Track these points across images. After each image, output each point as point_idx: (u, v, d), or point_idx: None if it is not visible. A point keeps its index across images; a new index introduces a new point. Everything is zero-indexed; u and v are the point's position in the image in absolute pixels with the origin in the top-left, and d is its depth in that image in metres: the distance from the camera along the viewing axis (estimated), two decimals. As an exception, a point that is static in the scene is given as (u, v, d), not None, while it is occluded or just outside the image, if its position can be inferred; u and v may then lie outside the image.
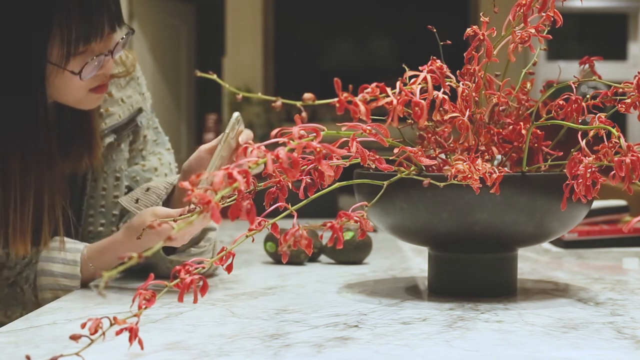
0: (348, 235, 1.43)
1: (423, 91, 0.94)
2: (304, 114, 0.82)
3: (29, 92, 1.17)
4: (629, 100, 1.02)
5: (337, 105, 0.84)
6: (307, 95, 0.80)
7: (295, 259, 1.43)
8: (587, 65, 1.10)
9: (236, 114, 1.15)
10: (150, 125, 1.42)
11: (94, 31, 1.15)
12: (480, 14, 1.05)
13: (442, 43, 1.09)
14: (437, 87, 0.97)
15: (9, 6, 1.13)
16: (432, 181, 0.99)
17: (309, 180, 0.96)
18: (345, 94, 0.83)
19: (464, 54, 1.06)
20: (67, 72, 1.16)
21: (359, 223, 0.97)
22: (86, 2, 1.14)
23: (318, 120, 3.04)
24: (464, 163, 0.98)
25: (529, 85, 1.12)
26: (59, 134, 1.24)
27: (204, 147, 1.21)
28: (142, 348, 0.79)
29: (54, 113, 1.23)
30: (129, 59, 1.36)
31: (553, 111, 1.07)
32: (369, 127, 0.89)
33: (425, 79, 0.95)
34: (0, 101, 1.17)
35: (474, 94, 1.05)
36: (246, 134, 1.16)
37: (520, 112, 1.12)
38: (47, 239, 1.19)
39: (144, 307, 0.79)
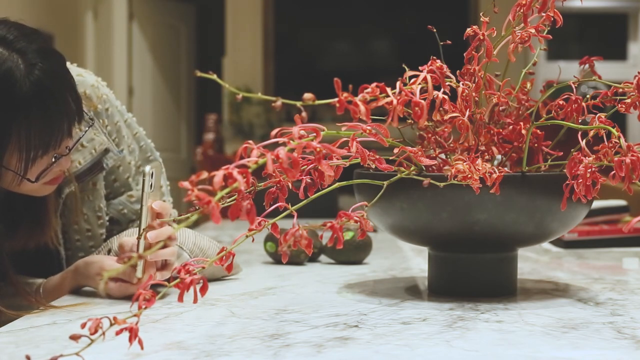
0: (348, 235, 1.43)
1: (423, 91, 0.94)
2: (304, 114, 0.82)
3: None
4: (629, 100, 1.02)
5: (337, 105, 0.84)
6: (307, 95, 0.80)
7: (295, 259, 1.43)
8: (587, 65, 1.10)
9: (147, 168, 1.11)
10: (144, 144, 1.38)
11: (53, 141, 1.11)
12: (480, 14, 1.05)
13: (442, 43, 1.09)
14: (437, 87, 0.97)
15: None
16: (432, 181, 0.99)
17: (309, 180, 0.96)
18: (345, 94, 0.83)
19: (464, 54, 1.06)
20: (22, 180, 1.13)
21: (359, 223, 0.97)
22: (46, 114, 1.10)
23: (318, 120, 3.05)
24: (464, 163, 0.98)
25: (529, 85, 1.12)
26: (7, 215, 1.21)
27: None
28: (142, 348, 0.79)
29: (3, 196, 1.20)
30: (94, 97, 1.30)
31: (553, 111, 1.07)
32: (369, 127, 0.89)
33: (425, 79, 0.95)
34: None
35: (474, 94, 1.05)
36: (159, 205, 1.11)
37: (520, 112, 1.12)
38: None
39: (144, 307, 0.79)
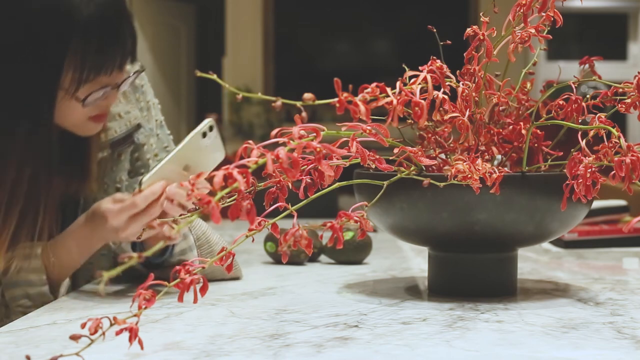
0: (348, 235, 1.43)
1: (423, 91, 0.94)
2: (304, 114, 0.82)
3: (38, 111, 1.17)
4: (629, 100, 1.02)
5: (337, 105, 0.84)
6: (307, 95, 0.80)
7: (295, 259, 1.43)
8: (587, 65, 1.10)
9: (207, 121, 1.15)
10: (161, 133, 1.41)
11: (107, 65, 1.16)
12: (480, 14, 1.05)
13: (442, 43, 1.09)
14: (437, 87, 0.97)
15: (32, 27, 1.14)
16: (432, 181, 0.99)
17: (309, 180, 0.96)
18: (345, 94, 0.83)
19: (464, 54, 1.06)
20: (72, 98, 1.17)
21: (359, 223, 0.97)
22: (104, 40, 1.15)
23: (318, 120, 3.04)
24: (464, 163, 0.98)
25: (529, 85, 1.12)
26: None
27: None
28: (142, 348, 0.79)
29: (56, 134, 1.23)
30: (133, 68, 1.35)
31: (553, 111, 1.07)
32: (369, 127, 0.89)
33: (425, 79, 0.95)
34: (8, 114, 1.17)
35: (474, 94, 1.05)
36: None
37: (520, 112, 1.12)
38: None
39: (144, 307, 0.79)
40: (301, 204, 0.95)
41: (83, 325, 0.74)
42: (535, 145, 1.13)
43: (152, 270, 1.20)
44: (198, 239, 1.28)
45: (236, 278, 1.28)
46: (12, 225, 1.19)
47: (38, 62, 1.15)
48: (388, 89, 0.89)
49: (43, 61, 1.15)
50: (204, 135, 1.15)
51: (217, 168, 0.74)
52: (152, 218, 1.12)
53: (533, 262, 1.49)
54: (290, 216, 0.93)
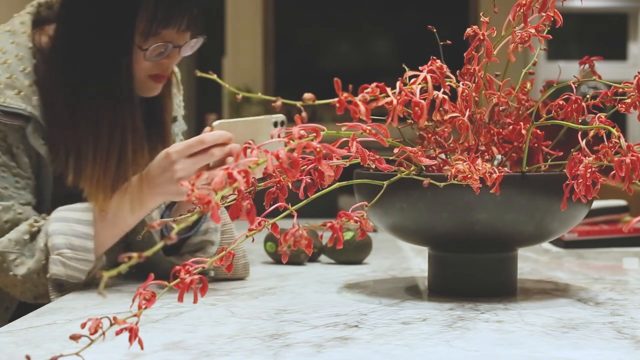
0: (348, 235, 1.43)
1: (423, 91, 0.94)
2: (304, 114, 0.82)
3: (119, 64, 1.23)
4: (629, 100, 1.02)
5: (337, 105, 0.84)
6: (307, 95, 0.80)
7: (295, 259, 1.43)
8: (587, 65, 1.10)
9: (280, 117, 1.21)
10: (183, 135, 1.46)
11: (175, 19, 1.22)
12: (480, 14, 1.05)
13: (442, 43, 1.09)
14: (437, 87, 0.97)
15: None
16: (432, 181, 0.99)
17: (309, 180, 0.96)
18: (345, 94, 0.83)
19: (464, 54, 1.06)
20: (137, 49, 1.22)
21: (359, 223, 0.97)
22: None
23: (318, 120, 3.04)
24: (464, 163, 0.98)
25: (529, 85, 1.12)
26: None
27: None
28: (142, 348, 0.79)
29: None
30: (176, 67, 1.41)
31: (553, 111, 1.07)
32: (369, 127, 0.89)
33: (425, 79, 0.95)
34: (97, 66, 1.23)
35: (474, 94, 1.05)
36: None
37: (520, 112, 1.12)
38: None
39: (144, 307, 0.79)
40: (301, 204, 0.95)
41: (83, 325, 0.74)
42: (535, 145, 1.13)
43: (171, 252, 1.24)
44: (224, 224, 1.31)
45: (241, 278, 1.29)
46: (112, 165, 1.23)
47: (114, 13, 1.21)
48: (388, 89, 0.89)
49: (118, 12, 1.21)
50: (275, 124, 1.22)
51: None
52: (211, 161, 1.15)
53: (533, 262, 1.49)
54: (290, 216, 0.93)
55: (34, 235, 1.21)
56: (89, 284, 1.21)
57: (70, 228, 1.19)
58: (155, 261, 1.24)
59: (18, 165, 1.23)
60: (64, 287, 1.19)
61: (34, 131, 1.23)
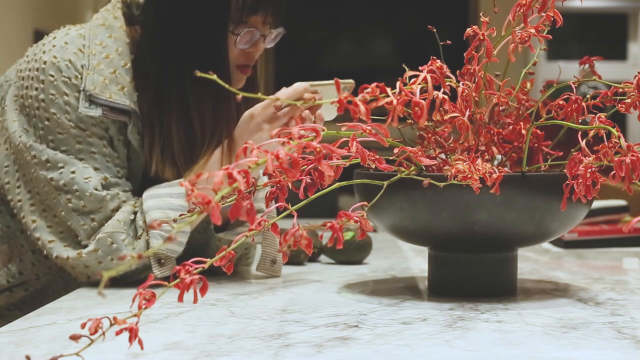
0: (348, 235, 1.43)
1: (423, 91, 0.94)
2: (304, 114, 0.82)
3: (215, 49, 1.27)
4: (629, 100, 1.02)
5: (337, 105, 0.84)
6: (307, 95, 0.80)
7: (295, 259, 1.43)
8: (587, 65, 1.10)
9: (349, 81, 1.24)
10: None
11: (263, 6, 1.27)
12: (480, 14, 1.05)
13: (442, 43, 1.09)
14: (437, 87, 0.97)
15: None
16: (432, 181, 0.99)
17: (309, 180, 0.95)
18: (345, 94, 0.83)
19: (464, 54, 1.06)
20: (230, 36, 1.26)
21: (359, 223, 0.97)
22: None
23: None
24: (464, 163, 0.98)
25: (529, 85, 1.12)
26: None
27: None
28: (142, 348, 0.79)
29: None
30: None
31: (553, 111, 1.07)
32: (369, 127, 0.89)
33: (425, 79, 0.95)
34: (198, 55, 1.27)
35: (474, 94, 1.05)
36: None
37: (520, 112, 1.12)
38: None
39: (144, 307, 0.79)
40: (301, 204, 0.95)
41: (83, 325, 0.74)
42: (535, 145, 1.13)
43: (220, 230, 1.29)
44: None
45: (276, 276, 1.31)
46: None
47: (208, 1, 1.25)
48: (388, 89, 0.89)
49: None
50: (344, 89, 1.24)
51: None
52: (290, 117, 1.20)
53: (533, 262, 1.49)
54: (290, 216, 0.93)
55: (136, 215, 1.24)
56: (94, 283, 1.21)
57: (164, 202, 1.21)
58: (205, 240, 1.28)
59: (118, 156, 1.26)
60: (163, 262, 1.21)
61: (133, 126, 1.26)
